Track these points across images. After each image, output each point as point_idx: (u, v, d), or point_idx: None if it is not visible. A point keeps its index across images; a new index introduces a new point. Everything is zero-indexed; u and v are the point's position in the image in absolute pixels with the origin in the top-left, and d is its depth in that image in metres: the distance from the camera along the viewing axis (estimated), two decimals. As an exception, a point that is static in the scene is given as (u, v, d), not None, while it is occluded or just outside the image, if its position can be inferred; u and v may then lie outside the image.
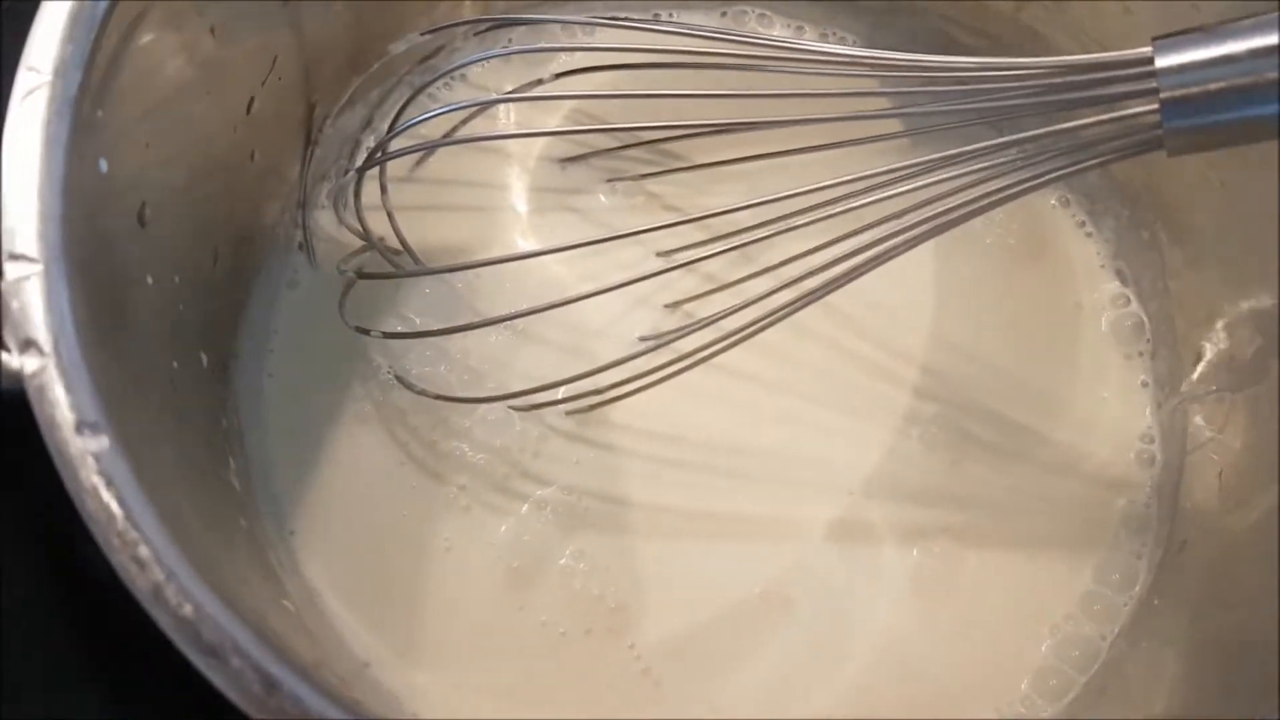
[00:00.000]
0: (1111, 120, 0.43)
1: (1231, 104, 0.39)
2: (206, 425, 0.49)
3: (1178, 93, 0.40)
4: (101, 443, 0.33)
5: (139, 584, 0.32)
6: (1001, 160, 0.46)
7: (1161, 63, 0.40)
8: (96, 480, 0.33)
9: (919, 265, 0.60)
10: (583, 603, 0.53)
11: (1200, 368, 0.56)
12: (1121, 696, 0.51)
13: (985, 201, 0.47)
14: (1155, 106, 0.40)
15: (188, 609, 0.32)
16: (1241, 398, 0.53)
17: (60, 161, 0.37)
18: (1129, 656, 0.52)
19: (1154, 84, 0.40)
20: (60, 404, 0.34)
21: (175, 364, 0.45)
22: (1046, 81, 0.45)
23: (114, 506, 0.33)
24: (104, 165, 0.40)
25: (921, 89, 0.49)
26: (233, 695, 0.31)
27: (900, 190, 0.48)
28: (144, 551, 0.32)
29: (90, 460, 0.33)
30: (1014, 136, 0.46)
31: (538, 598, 0.53)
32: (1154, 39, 0.40)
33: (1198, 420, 0.55)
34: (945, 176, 0.47)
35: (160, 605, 0.32)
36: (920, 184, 0.47)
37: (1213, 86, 0.39)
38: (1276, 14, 0.38)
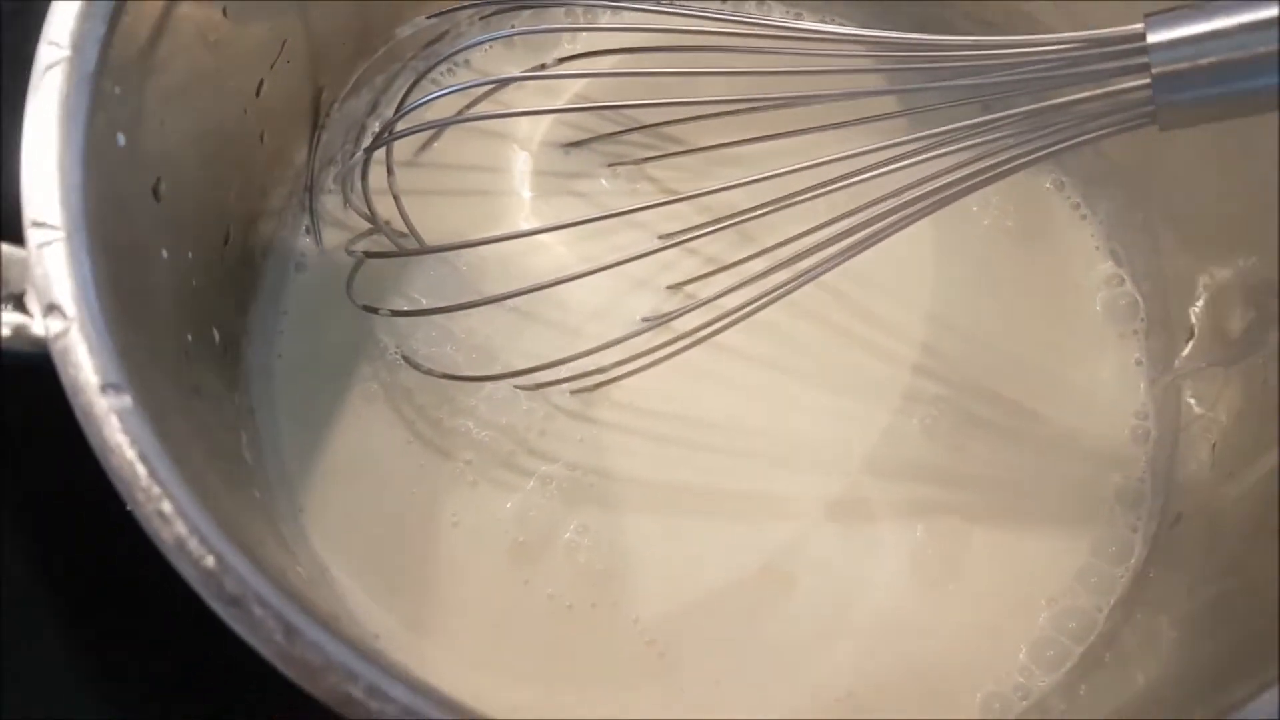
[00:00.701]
0: (1104, 95, 0.44)
1: (1223, 78, 0.40)
2: (220, 399, 0.50)
3: (1169, 68, 0.41)
4: (124, 401, 0.34)
5: (164, 536, 0.33)
6: (996, 137, 0.47)
7: (1153, 38, 0.41)
8: (120, 438, 0.34)
9: (917, 246, 0.61)
10: (587, 577, 0.53)
11: (1192, 344, 0.57)
12: (1118, 665, 0.52)
13: (981, 178, 0.48)
14: (1147, 82, 0.41)
15: (210, 561, 0.32)
16: (1233, 371, 0.54)
17: (80, 133, 0.38)
18: (1125, 627, 0.53)
19: (1146, 59, 0.41)
20: (84, 366, 0.35)
21: (189, 337, 0.45)
22: (1041, 59, 0.45)
23: (138, 465, 0.33)
24: (121, 139, 0.41)
25: (918, 67, 0.50)
26: (256, 643, 0.32)
27: (897, 167, 0.48)
28: (167, 506, 0.33)
29: (114, 419, 0.34)
30: (1008, 112, 0.46)
31: (543, 572, 0.53)
32: (1146, 15, 0.41)
33: (1190, 395, 0.56)
34: (941, 153, 0.48)
35: (184, 557, 0.33)
36: (917, 161, 0.48)
37: (1204, 61, 0.40)
38: (1267, -11, 0.39)
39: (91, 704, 0.50)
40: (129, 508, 0.33)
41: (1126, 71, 0.42)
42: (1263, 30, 0.39)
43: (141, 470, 0.33)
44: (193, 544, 0.33)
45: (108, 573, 0.51)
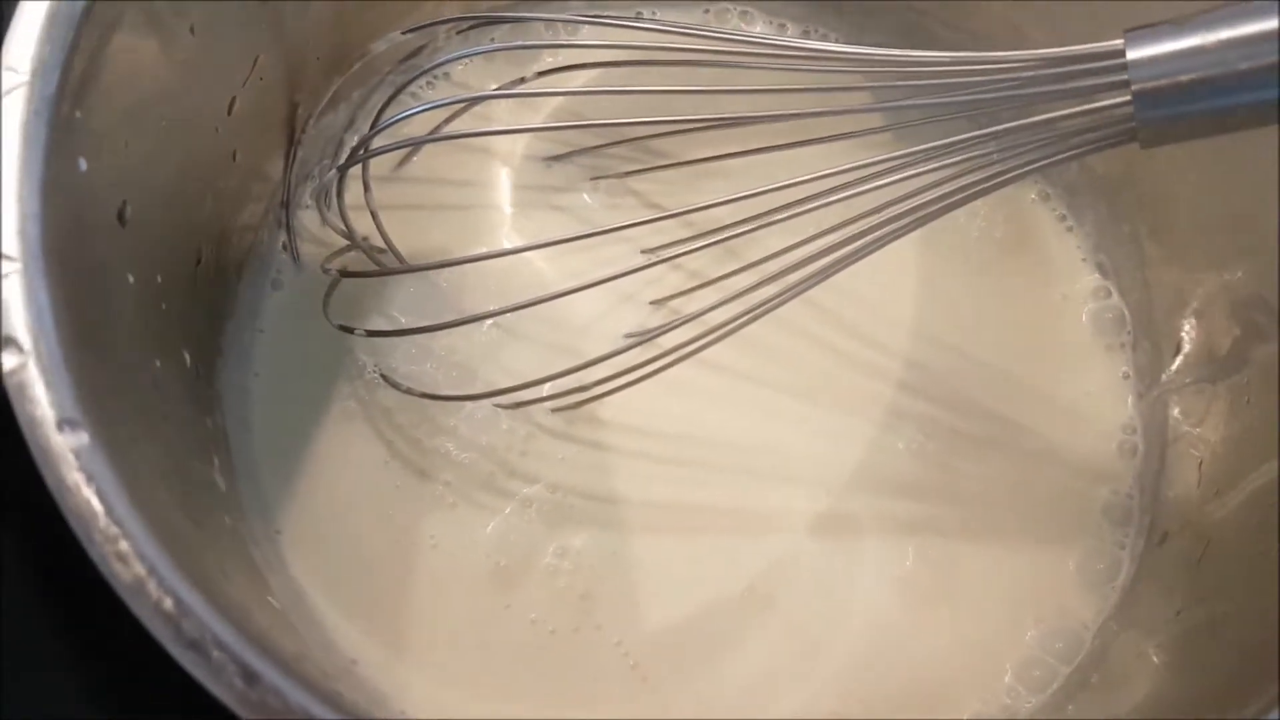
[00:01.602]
0: (1086, 112, 0.43)
1: (1202, 95, 0.39)
2: (190, 424, 0.49)
3: (1149, 85, 0.40)
4: (81, 439, 0.33)
5: (121, 577, 0.32)
6: (980, 153, 0.47)
7: (1133, 55, 0.40)
8: (78, 477, 0.33)
9: (903, 260, 0.61)
10: (568, 601, 0.53)
11: (1179, 359, 0.56)
12: (1105, 687, 0.51)
13: (964, 194, 0.47)
14: (1128, 98, 0.41)
15: (168, 603, 0.32)
16: (1220, 388, 0.53)
17: (39, 161, 0.37)
18: (1113, 647, 0.53)
19: (1126, 76, 0.40)
20: (40, 401, 0.34)
21: (158, 363, 0.45)
22: (1021, 75, 0.45)
23: (95, 502, 0.33)
24: (83, 164, 0.40)
25: (901, 84, 0.49)
26: (214, 689, 0.32)
27: (882, 184, 0.48)
28: (125, 546, 0.32)
29: (71, 457, 0.33)
30: (991, 129, 0.46)
31: (524, 596, 0.53)
32: (1126, 31, 0.41)
33: (1177, 411, 0.56)
34: (925, 170, 0.47)
35: (141, 599, 0.32)
36: (901, 177, 0.47)
37: (1184, 78, 0.39)
38: (1246, 5, 0.39)
39: (89, 707, 0.50)
40: (86, 548, 0.32)
41: (1107, 88, 0.42)
42: (1244, 46, 0.39)
43: (99, 509, 0.33)
44: (151, 585, 0.32)
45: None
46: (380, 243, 0.59)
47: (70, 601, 0.51)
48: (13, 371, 0.34)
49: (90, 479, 0.33)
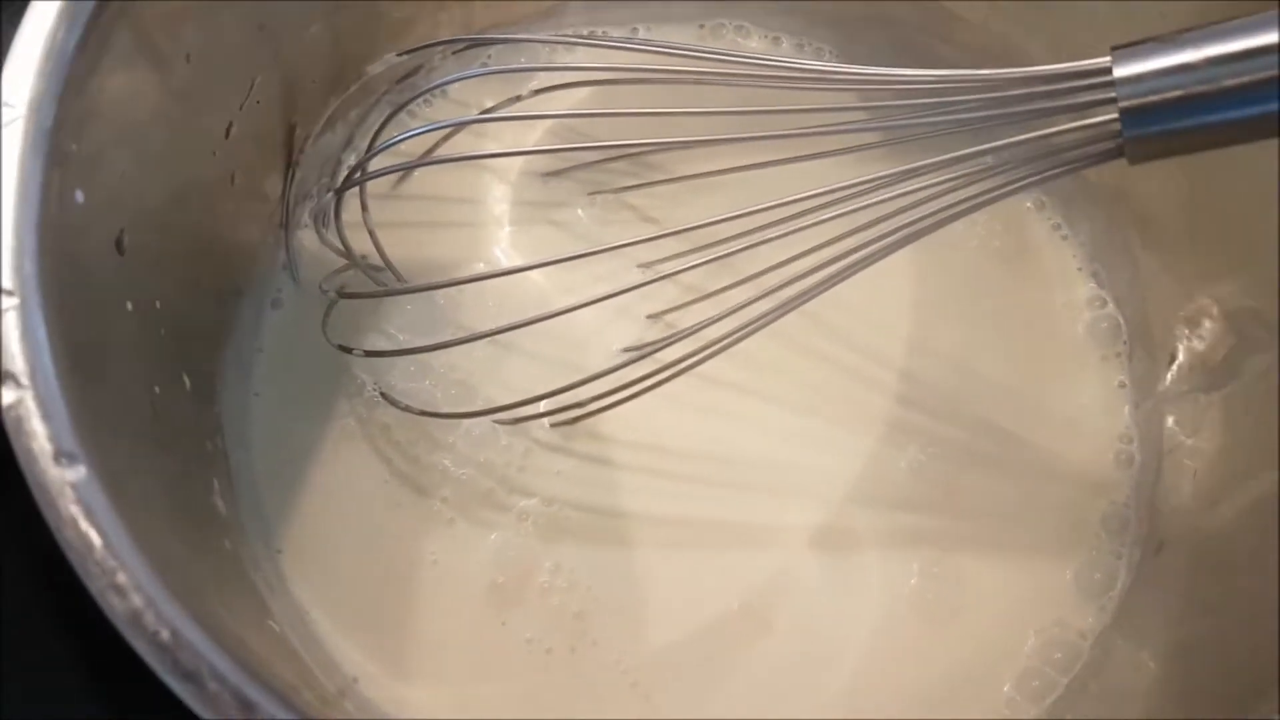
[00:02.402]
0: (1075, 129, 0.43)
1: (1189, 112, 0.39)
2: (190, 447, 0.49)
3: (1136, 101, 0.40)
4: (79, 472, 0.34)
5: (118, 609, 0.33)
6: (972, 169, 0.47)
7: (1120, 72, 0.40)
8: (75, 510, 0.33)
9: (900, 272, 0.61)
10: (563, 620, 0.53)
11: (1174, 368, 0.56)
12: (1103, 697, 0.51)
13: (959, 209, 0.47)
14: (1115, 116, 0.41)
15: (165, 634, 0.32)
16: (1215, 398, 0.53)
17: (35, 195, 0.38)
18: (1110, 657, 0.53)
19: (1113, 93, 0.40)
20: (38, 435, 0.34)
21: (157, 388, 0.45)
22: (1011, 93, 0.45)
23: (92, 536, 0.33)
24: (80, 196, 0.40)
25: (894, 102, 0.49)
26: (211, 718, 0.32)
27: (877, 199, 0.48)
28: (122, 578, 0.33)
29: (68, 490, 0.34)
30: (984, 146, 0.46)
31: (520, 615, 0.53)
32: (1113, 48, 0.41)
33: (1172, 421, 0.56)
34: (919, 185, 0.48)
35: (137, 630, 0.32)
36: (895, 193, 0.48)
37: (1170, 95, 0.39)
38: (1232, 22, 0.39)
39: (90, 705, 0.50)
40: (83, 580, 0.33)
41: (1094, 105, 0.42)
42: (1230, 63, 0.39)
43: (96, 541, 0.33)
44: (148, 617, 0.32)
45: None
46: (379, 261, 0.59)
47: (70, 602, 0.51)
48: (11, 406, 0.34)
49: (88, 512, 0.33)
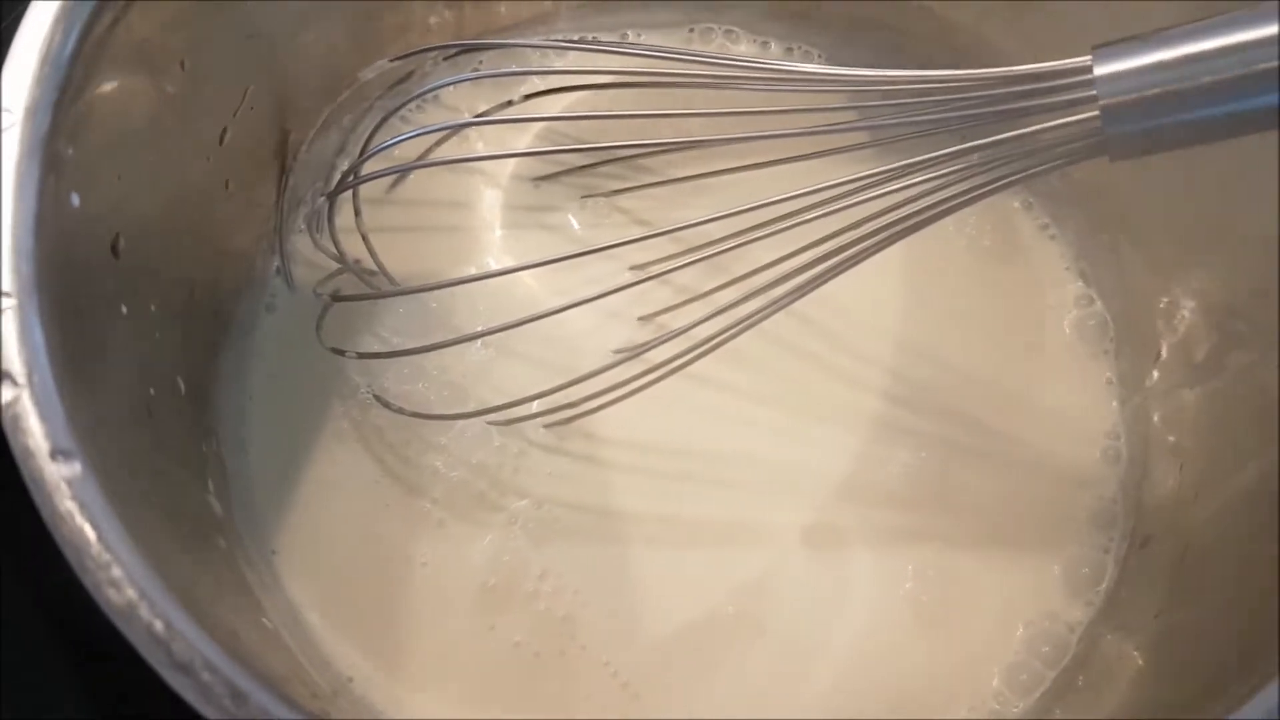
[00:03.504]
0: (1058, 127, 0.44)
1: (1168, 109, 0.40)
2: (185, 449, 0.50)
3: (1116, 100, 0.40)
4: (75, 469, 0.34)
5: (113, 602, 0.33)
6: (958, 167, 0.47)
7: (1100, 70, 0.41)
8: (70, 505, 0.34)
9: (889, 271, 0.61)
10: (549, 624, 0.53)
11: (1159, 365, 0.57)
12: (1091, 689, 0.52)
13: (944, 207, 0.48)
14: (1096, 114, 0.41)
15: (159, 626, 0.33)
16: (1199, 393, 0.54)
17: (32, 199, 0.38)
18: (1097, 651, 0.53)
19: (1093, 91, 0.41)
20: (34, 433, 0.35)
21: (152, 390, 0.46)
22: (994, 92, 0.46)
23: (87, 530, 0.34)
24: (76, 199, 0.41)
25: (881, 103, 0.50)
26: (204, 708, 0.32)
27: (865, 198, 0.49)
28: (117, 572, 0.33)
29: (64, 486, 0.34)
30: (968, 144, 0.46)
31: (509, 619, 0.53)
32: (1094, 47, 0.41)
33: (1158, 417, 0.56)
34: (906, 184, 0.48)
35: (132, 623, 0.33)
36: (883, 191, 0.48)
37: (1149, 93, 0.40)
38: (1209, 20, 0.39)
39: (90, 707, 0.51)
40: (79, 575, 0.33)
41: (1076, 104, 0.42)
42: (1207, 61, 0.39)
43: (91, 536, 0.34)
44: (143, 609, 0.33)
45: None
46: (372, 265, 0.60)
47: (69, 606, 0.52)
48: (8, 404, 0.35)
49: (83, 507, 0.34)
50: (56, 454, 0.35)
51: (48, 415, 0.35)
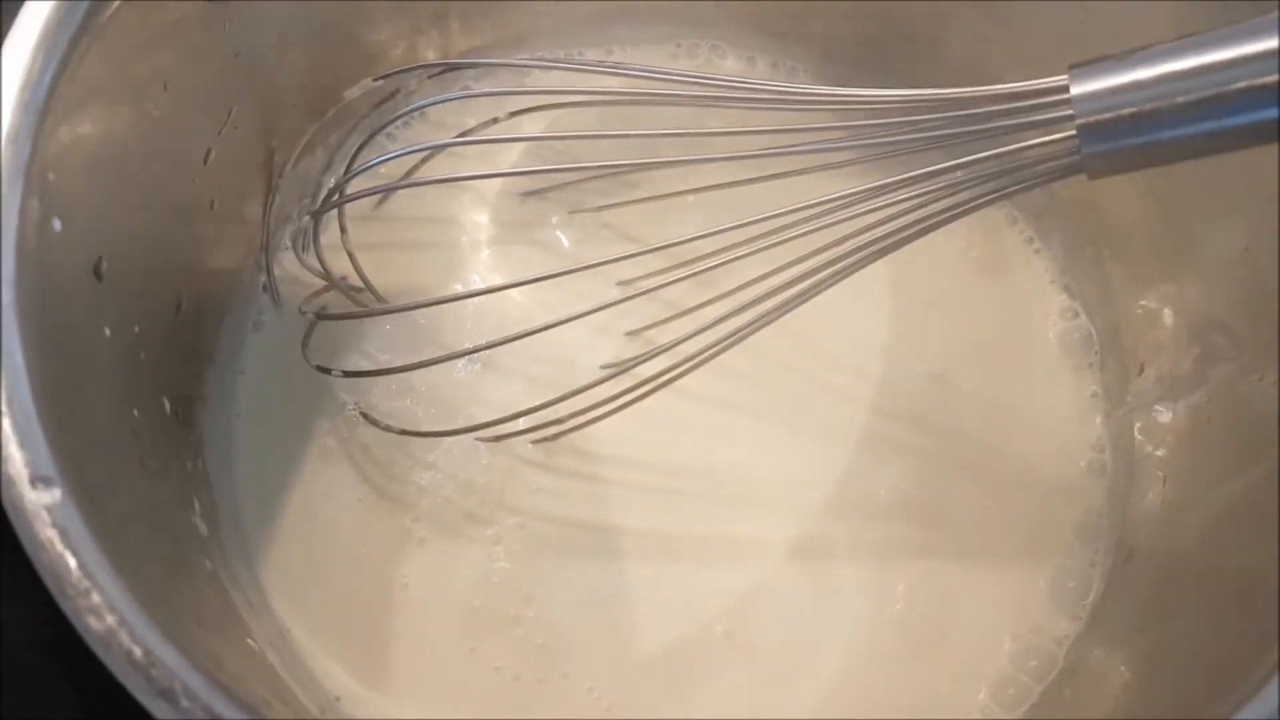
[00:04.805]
0: (1037, 145, 0.44)
1: (1144, 128, 0.40)
2: (170, 470, 0.50)
3: (1092, 119, 0.41)
4: (55, 495, 0.34)
5: (92, 629, 0.33)
6: (942, 184, 0.47)
7: (1076, 90, 0.41)
8: (50, 533, 0.34)
9: (875, 285, 0.61)
10: (528, 651, 0.53)
11: (1143, 378, 0.57)
12: (1076, 703, 0.52)
13: (928, 223, 0.48)
14: (1073, 133, 0.41)
15: (138, 652, 0.33)
16: (1182, 406, 0.54)
17: (13, 225, 0.38)
18: (1083, 663, 0.53)
19: (1070, 111, 0.41)
20: (14, 459, 0.35)
21: (135, 412, 0.46)
22: (976, 110, 0.46)
23: (67, 558, 0.34)
24: (58, 224, 0.41)
25: (866, 121, 0.50)
26: (184, 736, 0.33)
27: (850, 214, 0.49)
28: (96, 599, 0.33)
29: (44, 514, 0.34)
30: (951, 162, 0.47)
31: (490, 643, 0.53)
32: (1070, 67, 0.42)
33: (1141, 431, 0.57)
34: (891, 200, 0.48)
35: (112, 649, 0.33)
36: (868, 208, 0.48)
37: (1125, 111, 0.40)
38: (1185, 39, 0.40)
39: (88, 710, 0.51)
40: (59, 602, 0.33)
41: (1054, 123, 0.43)
42: (1182, 80, 0.39)
43: (71, 564, 0.34)
44: (122, 635, 0.33)
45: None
46: (358, 282, 0.60)
47: (61, 623, 0.52)
48: (-13, 432, 0.35)
49: (63, 535, 0.34)
50: (36, 481, 0.35)
51: (27, 442, 0.35)
